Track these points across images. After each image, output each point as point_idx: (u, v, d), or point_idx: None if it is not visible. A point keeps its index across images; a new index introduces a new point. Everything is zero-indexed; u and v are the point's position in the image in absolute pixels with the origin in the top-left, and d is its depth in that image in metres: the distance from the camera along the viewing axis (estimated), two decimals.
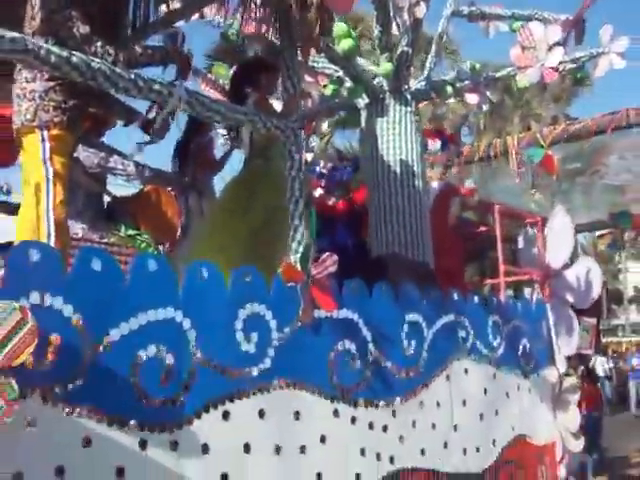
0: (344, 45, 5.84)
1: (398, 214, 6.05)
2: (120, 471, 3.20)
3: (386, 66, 6.10)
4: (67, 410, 3.03)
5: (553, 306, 6.87)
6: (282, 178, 4.47)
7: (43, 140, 3.85)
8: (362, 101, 6.41)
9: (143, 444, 3.29)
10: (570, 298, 6.88)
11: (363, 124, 6.44)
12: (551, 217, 7.02)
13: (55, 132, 3.90)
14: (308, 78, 6.15)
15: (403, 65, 6.25)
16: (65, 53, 3.24)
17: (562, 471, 6.78)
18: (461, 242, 7.78)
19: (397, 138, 6.15)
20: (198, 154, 5.62)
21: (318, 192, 7.08)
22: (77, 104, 4.01)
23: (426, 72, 6.60)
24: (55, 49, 3.21)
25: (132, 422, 3.25)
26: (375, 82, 6.25)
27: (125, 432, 3.23)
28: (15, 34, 3.11)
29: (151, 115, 4.55)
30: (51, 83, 3.92)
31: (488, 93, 6.85)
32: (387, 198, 6.07)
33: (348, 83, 6.31)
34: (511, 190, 11.05)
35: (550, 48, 6.00)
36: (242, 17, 4.53)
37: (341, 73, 6.27)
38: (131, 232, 5.06)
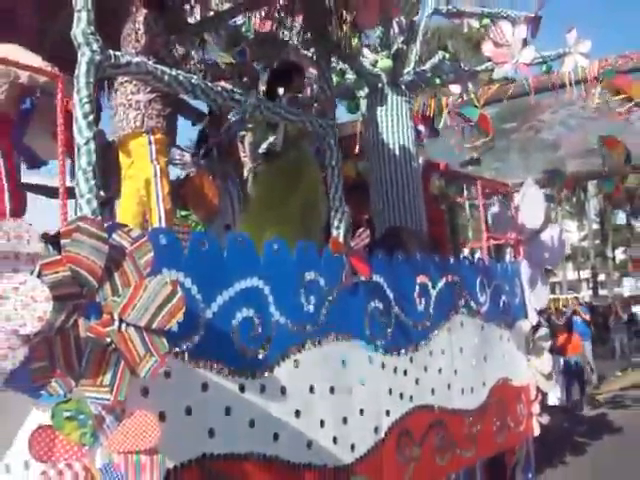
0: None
1: (397, 190, 6.90)
2: (227, 410, 4.02)
3: (386, 62, 6.91)
4: (190, 363, 3.82)
5: (526, 266, 7.85)
6: (315, 165, 5.28)
7: (150, 143, 4.57)
8: (363, 92, 7.22)
9: (242, 388, 4.11)
10: (545, 257, 7.86)
11: (364, 111, 7.26)
12: (524, 188, 7.95)
13: (158, 136, 4.63)
14: (312, 70, 6.90)
15: (399, 60, 7.07)
16: (174, 73, 3.97)
17: (536, 408, 7.81)
18: (442, 212, 8.69)
19: (394, 124, 6.98)
20: (229, 145, 6.35)
21: None
22: (171, 111, 4.74)
23: (412, 65, 7.40)
24: (167, 70, 3.93)
25: (234, 370, 4.06)
26: (374, 75, 7.05)
27: (229, 379, 4.04)
28: (138, 59, 3.83)
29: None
30: (152, 95, 4.63)
31: (469, 84, 7.73)
32: (387, 175, 6.92)
33: (349, 75, 7.10)
34: (449, 149, 11.49)
35: (524, 46, 6.88)
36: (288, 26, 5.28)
37: (343, 66, 7.06)
38: (183, 213, 5.79)
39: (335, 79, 7.16)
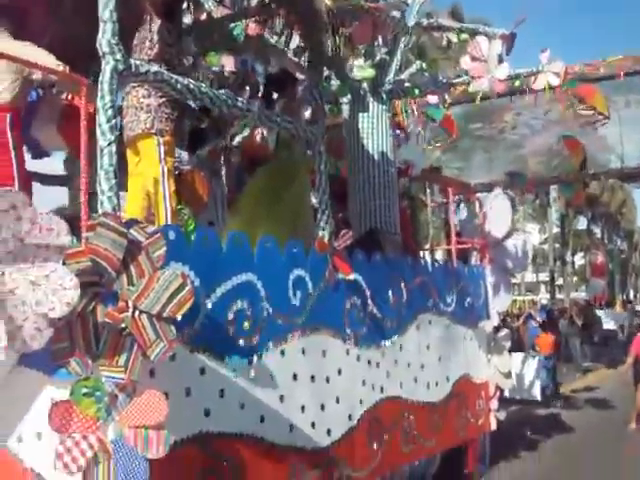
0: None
1: (375, 193, 7.32)
2: (222, 392, 4.40)
3: (369, 71, 7.32)
4: (190, 348, 4.20)
5: (491, 271, 8.33)
6: (305, 165, 5.68)
7: (159, 144, 4.92)
8: (345, 98, 7.62)
9: (235, 373, 4.50)
10: (508, 264, 8.34)
11: (346, 117, 7.66)
12: (491, 197, 8.43)
13: (167, 138, 4.98)
14: (300, 76, 7.28)
15: (382, 70, 7.48)
16: (186, 82, 4.33)
17: (494, 404, 8.30)
18: (406, 212, 9.11)
19: (375, 129, 7.41)
20: (221, 148, 6.70)
21: None
22: (178, 115, 5.10)
23: (392, 74, 7.78)
24: (180, 79, 4.30)
25: (227, 357, 4.44)
26: (357, 83, 7.45)
27: (224, 364, 4.42)
28: (155, 68, 4.20)
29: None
30: (162, 99, 4.97)
31: (445, 95, 8.18)
32: (366, 179, 7.33)
33: (333, 81, 7.48)
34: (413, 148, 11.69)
35: (499, 62, 7.32)
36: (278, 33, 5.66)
37: (328, 72, 7.42)
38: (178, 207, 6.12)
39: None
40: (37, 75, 5.09)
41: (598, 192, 30.69)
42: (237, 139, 7.10)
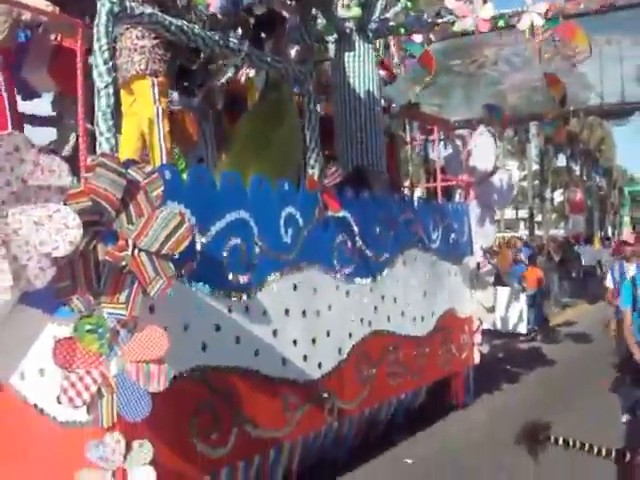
0: None
1: (362, 131, 7.38)
2: (217, 327, 4.54)
3: (356, 10, 7.32)
4: (187, 284, 4.31)
5: (475, 207, 8.47)
6: (293, 105, 5.73)
7: (153, 85, 4.96)
8: (331, 37, 7.62)
9: (229, 308, 4.63)
10: (494, 199, 8.48)
11: (332, 56, 7.68)
12: (475, 135, 8.52)
13: (161, 79, 5.01)
14: (286, 14, 7.26)
15: (368, 9, 7.48)
16: (179, 23, 4.37)
17: (477, 338, 8.51)
18: (394, 150, 9.19)
19: (361, 68, 7.44)
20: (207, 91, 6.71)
21: None
22: (172, 56, 5.13)
23: (377, 13, 7.79)
24: (174, 21, 4.33)
25: (224, 292, 4.57)
26: (343, 22, 7.45)
27: (219, 300, 4.55)
28: (150, 10, 4.24)
29: None
30: (155, 41, 4.99)
31: (431, 35, 8.22)
32: (353, 118, 7.38)
33: (320, 20, 7.47)
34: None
35: (484, 2, 7.35)
36: None
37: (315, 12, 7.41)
38: None
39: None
40: (26, 16, 5.08)
41: (577, 129, 30.76)
42: (222, 80, 7.12)
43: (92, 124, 4.24)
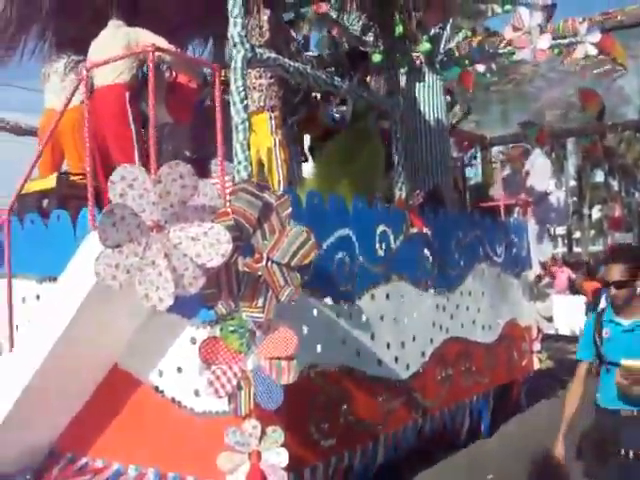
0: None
1: (431, 155, 8.03)
2: (328, 330, 5.17)
3: (426, 45, 7.98)
4: (307, 293, 4.92)
5: (533, 224, 9.05)
6: (377, 133, 6.37)
7: (270, 119, 5.64)
8: (402, 69, 8.27)
9: (338, 314, 5.26)
10: (551, 217, 9.06)
11: (403, 86, 8.32)
12: (532, 157, 9.12)
13: (276, 113, 5.70)
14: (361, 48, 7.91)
15: (436, 43, 8.14)
16: (295, 65, 5.04)
17: (537, 346, 9.05)
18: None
19: (430, 97, 8.10)
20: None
21: None
22: (283, 93, 5.81)
23: (442, 45, 8.42)
24: (292, 63, 5.00)
25: (333, 300, 5.20)
26: (414, 55, 8.11)
27: (329, 306, 5.18)
28: (273, 55, 4.92)
29: None
30: (271, 79, 5.68)
31: (492, 64, 8.85)
32: (424, 144, 8.04)
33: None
34: None
35: (541, 32, 7.90)
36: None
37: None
38: None
39: (378, 57, 8.20)
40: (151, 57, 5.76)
41: (615, 144, 30.97)
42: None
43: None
